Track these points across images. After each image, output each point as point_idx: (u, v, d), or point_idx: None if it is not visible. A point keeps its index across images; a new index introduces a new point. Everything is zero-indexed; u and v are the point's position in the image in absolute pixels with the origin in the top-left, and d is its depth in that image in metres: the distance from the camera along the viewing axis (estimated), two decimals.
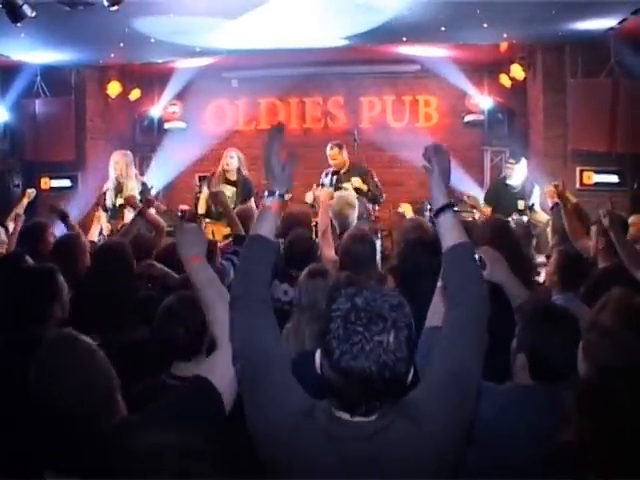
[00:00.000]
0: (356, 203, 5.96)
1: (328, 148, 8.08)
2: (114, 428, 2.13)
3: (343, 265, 4.26)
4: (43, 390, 2.15)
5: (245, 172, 8.33)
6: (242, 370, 2.04)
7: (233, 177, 8.30)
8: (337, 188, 7.47)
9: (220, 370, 2.25)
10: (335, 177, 7.91)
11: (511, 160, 8.47)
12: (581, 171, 9.50)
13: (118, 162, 8.05)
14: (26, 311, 3.16)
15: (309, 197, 7.26)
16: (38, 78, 10.14)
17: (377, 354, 1.68)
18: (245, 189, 8.19)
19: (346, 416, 1.79)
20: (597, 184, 9.40)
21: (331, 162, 8.03)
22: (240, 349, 2.07)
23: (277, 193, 2.26)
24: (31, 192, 7.33)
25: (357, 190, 7.47)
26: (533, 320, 2.52)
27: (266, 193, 2.28)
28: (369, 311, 1.72)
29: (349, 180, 7.73)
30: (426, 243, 4.41)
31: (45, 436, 2.22)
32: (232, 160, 8.30)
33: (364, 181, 7.74)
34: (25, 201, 7.14)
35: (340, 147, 8.05)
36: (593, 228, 4.93)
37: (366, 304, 1.74)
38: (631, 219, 5.95)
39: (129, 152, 8.55)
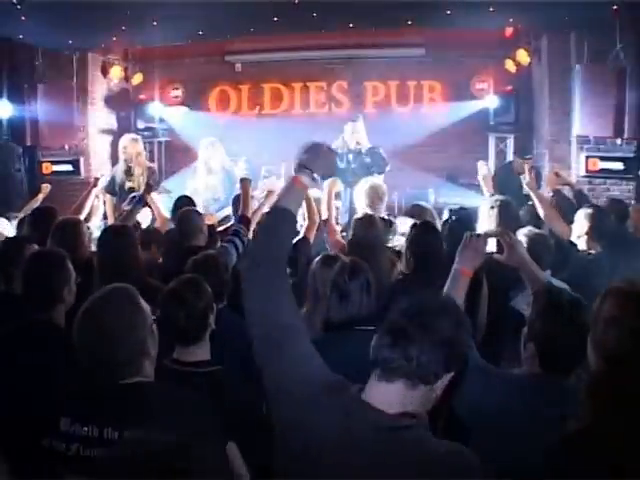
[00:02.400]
0: (385, 193, 5.84)
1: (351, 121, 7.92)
2: (134, 384, 2.20)
3: (352, 250, 4.23)
4: (85, 326, 2.21)
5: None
6: (258, 339, 2.01)
7: (217, 166, 8.30)
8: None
9: None
10: (350, 155, 7.72)
11: (528, 157, 8.23)
12: (587, 157, 9.44)
13: (127, 146, 7.98)
14: (37, 295, 3.15)
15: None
16: (40, 62, 10.08)
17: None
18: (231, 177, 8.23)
19: (374, 400, 1.77)
20: (602, 170, 9.34)
21: (354, 136, 7.86)
22: (255, 319, 2.04)
23: (315, 175, 2.22)
24: (46, 187, 7.27)
25: None
26: (544, 310, 2.49)
27: (296, 168, 2.23)
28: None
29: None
30: (434, 227, 4.40)
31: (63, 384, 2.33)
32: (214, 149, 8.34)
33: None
34: (41, 197, 7.08)
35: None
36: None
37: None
38: (633, 206, 5.93)
39: (138, 136, 8.48)
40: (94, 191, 6.63)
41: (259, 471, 2.51)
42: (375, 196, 5.63)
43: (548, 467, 1.90)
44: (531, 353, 2.45)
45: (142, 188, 6.54)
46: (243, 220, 4.98)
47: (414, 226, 4.31)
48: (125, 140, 8.12)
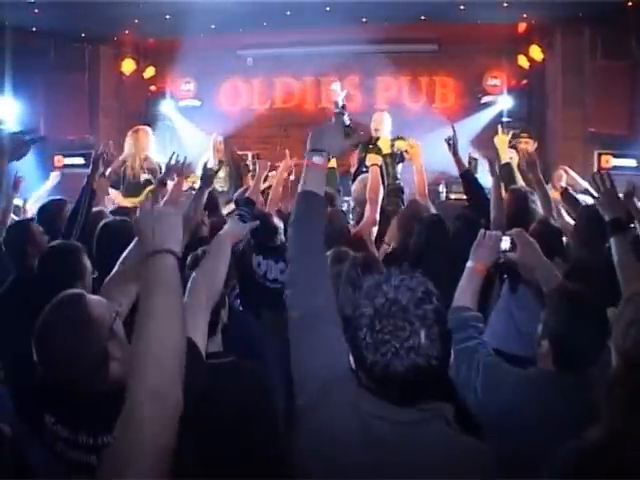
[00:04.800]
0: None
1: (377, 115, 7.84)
2: (102, 391, 2.09)
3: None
4: (39, 348, 2.11)
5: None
6: (295, 320, 2.03)
7: (223, 158, 8.29)
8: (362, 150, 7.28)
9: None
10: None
11: (524, 134, 8.15)
12: (599, 154, 9.39)
13: (139, 139, 7.93)
14: (47, 290, 3.13)
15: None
16: (52, 54, 10.10)
17: (410, 359, 1.60)
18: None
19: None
20: (615, 167, 9.29)
21: (378, 128, 7.76)
22: (294, 301, 2.06)
23: (326, 152, 2.26)
24: (55, 175, 7.28)
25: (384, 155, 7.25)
26: (558, 307, 2.48)
27: (310, 151, 2.26)
28: (393, 316, 1.62)
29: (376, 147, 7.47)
30: (439, 222, 4.39)
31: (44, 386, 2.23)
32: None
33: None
34: (49, 184, 7.09)
35: (387, 116, 7.71)
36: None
37: (389, 307, 1.63)
38: None
39: (148, 128, 8.43)
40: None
41: (271, 461, 2.51)
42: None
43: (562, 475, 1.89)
44: (545, 351, 2.44)
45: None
46: (247, 202, 4.95)
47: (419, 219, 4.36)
48: (136, 132, 8.00)
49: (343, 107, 2.52)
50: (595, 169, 9.25)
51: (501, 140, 6.24)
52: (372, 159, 5.59)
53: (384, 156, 7.12)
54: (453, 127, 5.60)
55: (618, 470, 1.71)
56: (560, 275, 2.84)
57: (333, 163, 5.85)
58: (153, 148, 8.05)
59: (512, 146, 9.82)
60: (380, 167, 6.69)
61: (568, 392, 2.30)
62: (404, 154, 7.05)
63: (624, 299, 2.39)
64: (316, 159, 2.24)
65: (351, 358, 1.76)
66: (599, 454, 1.78)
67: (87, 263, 3.33)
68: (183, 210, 4.03)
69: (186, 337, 1.69)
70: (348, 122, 6.40)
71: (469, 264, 2.72)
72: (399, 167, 7.29)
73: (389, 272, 1.74)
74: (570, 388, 2.31)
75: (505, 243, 2.82)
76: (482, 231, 2.84)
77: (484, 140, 10.01)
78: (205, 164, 5.08)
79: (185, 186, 5.92)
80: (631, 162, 9.28)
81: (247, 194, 5.20)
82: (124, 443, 1.47)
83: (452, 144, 5.46)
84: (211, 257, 2.76)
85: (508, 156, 7.37)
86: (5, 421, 2.10)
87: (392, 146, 7.19)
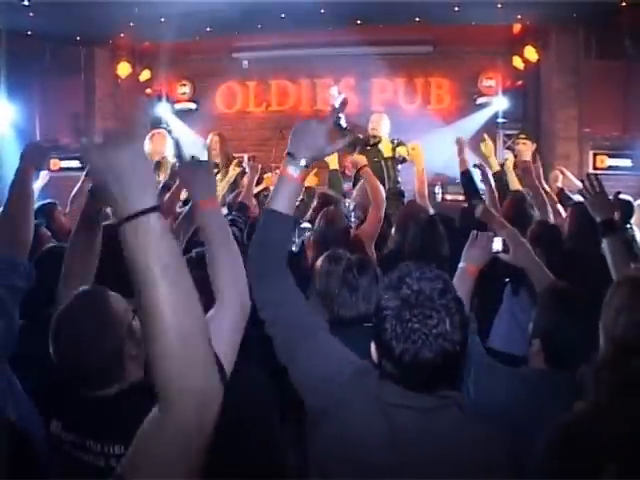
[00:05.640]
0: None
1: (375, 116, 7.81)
2: (115, 394, 2.09)
3: (318, 248, 4.14)
4: (56, 339, 2.11)
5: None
6: (278, 340, 2.03)
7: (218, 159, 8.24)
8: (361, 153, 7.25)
9: (219, 331, 1.93)
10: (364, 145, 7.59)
11: (522, 136, 8.19)
12: (594, 154, 9.42)
13: (155, 143, 7.85)
14: (43, 292, 3.12)
15: (311, 180, 6.97)
16: (47, 58, 10.10)
17: (438, 344, 1.68)
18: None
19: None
20: (610, 167, 9.32)
21: (375, 128, 7.72)
22: (270, 322, 2.04)
23: (302, 161, 2.03)
24: (45, 174, 7.25)
25: (385, 159, 7.23)
26: (548, 306, 2.50)
27: (287, 155, 2.05)
28: (421, 305, 1.70)
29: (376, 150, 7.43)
30: (434, 223, 4.40)
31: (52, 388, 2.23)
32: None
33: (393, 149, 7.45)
34: (40, 183, 7.08)
35: (384, 117, 7.68)
36: None
37: (416, 298, 1.71)
38: (638, 202, 5.92)
39: (164, 131, 8.35)
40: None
41: (280, 469, 2.51)
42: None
43: (550, 448, 1.92)
44: (537, 349, 2.46)
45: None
46: (241, 207, 4.91)
47: (416, 220, 4.36)
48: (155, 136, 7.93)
49: (340, 108, 2.36)
50: (590, 169, 9.29)
51: (487, 148, 6.26)
52: (361, 160, 5.55)
53: (385, 159, 7.15)
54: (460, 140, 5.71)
55: (601, 440, 1.76)
56: (552, 276, 2.85)
57: (335, 165, 5.82)
58: (170, 151, 8.00)
59: (508, 147, 9.90)
60: (380, 170, 6.73)
61: (560, 390, 2.31)
62: (406, 157, 7.04)
63: (614, 284, 2.41)
64: (291, 169, 2.03)
65: (373, 350, 1.81)
66: (584, 425, 1.85)
67: None
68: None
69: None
70: (345, 124, 6.43)
71: (461, 265, 2.73)
72: (399, 167, 7.30)
73: (408, 266, 1.80)
74: (562, 386, 2.32)
75: (497, 244, 2.83)
76: (474, 232, 2.84)
77: (480, 141, 10.05)
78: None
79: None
80: (626, 162, 9.31)
81: (240, 198, 5.16)
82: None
83: (460, 146, 5.65)
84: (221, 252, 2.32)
85: (503, 158, 7.41)
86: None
87: (393, 150, 7.19)
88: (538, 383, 2.40)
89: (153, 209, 1.25)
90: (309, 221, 4.91)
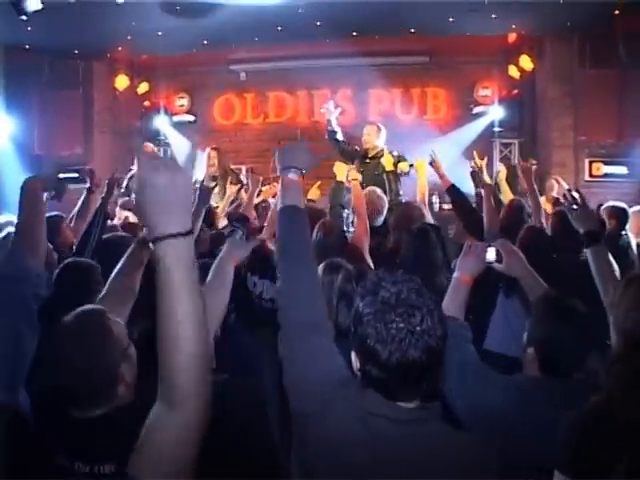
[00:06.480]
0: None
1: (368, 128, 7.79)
2: (102, 415, 2.08)
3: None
4: (53, 357, 2.12)
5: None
6: (283, 333, 2.06)
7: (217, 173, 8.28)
8: (361, 166, 7.27)
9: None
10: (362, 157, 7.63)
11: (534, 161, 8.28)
12: (590, 162, 9.48)
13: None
14: (60, 307, 3.14)
15: (314, 193, 6.96)
16: (46, 71, 10.17)
17: (424, 341, 1.71)
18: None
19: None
20: (606, 175, 9.37)
21: (367, 140, 7.71)
22: (285, 310, 2.09)
23: (300, 169, 2.28)
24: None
25: (387, 172, 7.25)
26: (542, 315, 2.53)
27: (280, 168, 2.29)
28: (403, 305, 1.73)
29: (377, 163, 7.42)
30: (425, 232, 4.43)
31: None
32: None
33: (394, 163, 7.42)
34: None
35: (378, 128, 7.55)
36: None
37: (396, 299, 1.74)
38: (633, 209, 5.96)
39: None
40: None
41: (272, 470, 2.53)
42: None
43: (568, 438, 2.00)
44: (531, 358, 2.48)
45: None
46: (241, 219, 4.92)
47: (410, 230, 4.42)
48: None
49: (335, 120, 2.53)
50: (587, 177, 9.35)
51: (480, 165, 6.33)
52: (351, 174, 5.59)
53: (387, 172, 7.18)
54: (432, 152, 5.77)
55: (616, 429, 1.84)
56: (545, 284, 2.88)
57: (343, 177, 5.86)
58: None
59: (502, 159, 9.97)
60: (382, 183, 6.75)
61: (554, 397, 2.34)
62: (407, 173, 7.05)
63: (624, 281, 2.48)
64: (292, 175, 2.26)
65: (354, 359, 1.84)
66: (599, 415, 1.92)
67: (101, 281, 3.36)
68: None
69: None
70: (342, 138, 6.41)
71: (455, 274, 2.76)
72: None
73: (379, 274, 1.84)
74: (556, 393, 2.35)
75: (490, 254, 2.85)
76: (467, 242, 2.88)
77: (476, 151, 10.10)
78: (202, 181, 5.09)
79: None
80: (622, 169, 9.36)
81: (241, 209, 5.19)
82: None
83: (435, 164, 5.66)
84: (213, 282, 2.69)
85: (495, 170, 7.46)
86: None
87: (395, 165, 7.21)
88: (533, 390, 2.42)
89: (188, 233, 1.42)
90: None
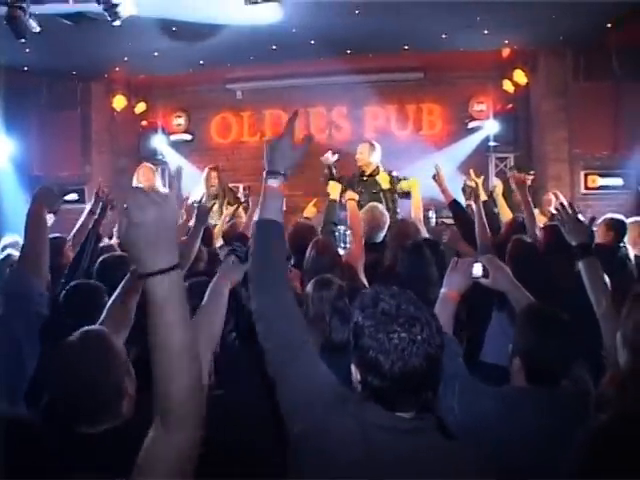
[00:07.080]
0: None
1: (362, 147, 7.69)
2: (105, 431, 2.13)
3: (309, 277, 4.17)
4: (60, 376, 2.17)
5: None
6: (271, 353, 2.06)
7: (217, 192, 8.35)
8: (359, 184, 7.31)
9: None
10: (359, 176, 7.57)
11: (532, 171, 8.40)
12: (586, 175, 9.52)
13: (143, 175, 7.94)
14: (67, 328, 3.16)
15: (310, 211, 6.96)
16: (44, 93, 10.24)
17: (424, 349, 1.75)
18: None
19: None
20: (602, 187, 9.42)
21: (359, 158, 7.60)
22: (266, 334, 2.08)
23: (281, 173, 2.24)
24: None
25: (384, 191, 7.29)
26: (525, 326, 2.57)
27: (265, 173, 2.25)
28: (404, 315, 1.78)
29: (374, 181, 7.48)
30: (419, 247, 4.46)
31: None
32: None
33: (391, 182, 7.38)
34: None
35: (371, 145, 7.61)
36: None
37: (397, 310, 1.79)
38: (630, 220, 6.00)
39: (150, 165, 8.48)
40: None
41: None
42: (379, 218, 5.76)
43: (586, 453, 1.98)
44: (517, 368, 2.52)
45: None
46: (240, 238, 4.94)
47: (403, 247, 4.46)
48: (144, 169, 8.07)
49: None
50: (582, 189, 9.39)
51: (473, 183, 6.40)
52: (348, 194, 5.63)
53: (384, 191, 7.23)
54: (437, 167, 5.86)
55: (627, 445, 1.79)
56: (531, 297, 2.91)
57: (336, 195, 5.90)
58: (158, 182, 8.14)
59: (498, 174, 10.01)
60: (379, 201, 6.78)
61: (541, 406, 2.37)
62: (409, 192, 7.07)
63: (630, 298, 2.50)
64: (271, 181, 2.23)
65: (354, 372, 1.86)
66: (610, 430, 1.86)
67: (105, 302, 3.39)
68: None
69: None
70: (335, 171, 6.42)
71: (443, 290, 2.80)
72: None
73: (376, 288, 1.89)
74: (542, 402, 2.38)
75: (477, 269, 2.88)
76: (454, 258, 2.92)
77: (472, 165, 10.14)
78: (200, 200, 5.11)
79: None
80: (617, 181, 9.41)
81: (241, 228, 5.19)
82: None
83: (438, 179, 5.77)
84: (209, 305, 2.68)
85: (492, 185, 7.50)
86: None
87: (393, 183, 7.26)
88: (520, 400, 2.45)
89: (176, 267, 1.44)
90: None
